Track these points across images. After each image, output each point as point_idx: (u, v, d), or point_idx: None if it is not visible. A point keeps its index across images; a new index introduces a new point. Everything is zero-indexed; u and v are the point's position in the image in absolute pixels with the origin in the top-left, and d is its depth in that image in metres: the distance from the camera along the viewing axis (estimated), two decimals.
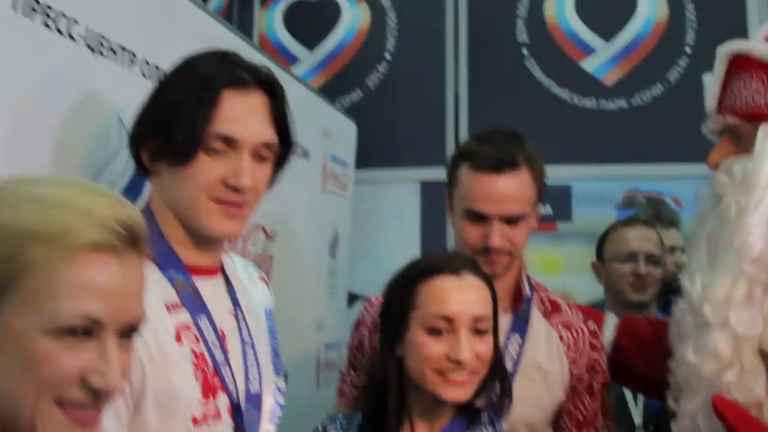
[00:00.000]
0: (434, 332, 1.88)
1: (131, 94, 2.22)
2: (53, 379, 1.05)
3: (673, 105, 4.52)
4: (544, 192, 2.35)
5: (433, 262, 1.98)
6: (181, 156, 1.71)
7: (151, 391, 1.66)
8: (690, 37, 4.60)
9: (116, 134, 2.17)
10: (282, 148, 1.87)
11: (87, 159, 2.07)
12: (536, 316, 2.35)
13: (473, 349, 1.86)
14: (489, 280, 1.98)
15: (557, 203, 4.52)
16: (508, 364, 2.20)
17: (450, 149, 4.55)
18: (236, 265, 2.01)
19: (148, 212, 1.80)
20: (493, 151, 2.24)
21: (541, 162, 2.32)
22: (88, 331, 1.07)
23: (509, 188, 2.24)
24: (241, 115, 1.74)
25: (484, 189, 2.25)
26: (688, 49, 4.60)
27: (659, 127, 4.50)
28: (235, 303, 1.89)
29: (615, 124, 4.55)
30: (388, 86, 4.79)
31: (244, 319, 1.89)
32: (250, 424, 1.82)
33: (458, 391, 1.87)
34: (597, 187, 4.49)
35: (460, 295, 1.89)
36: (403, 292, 1.95)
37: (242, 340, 1.85)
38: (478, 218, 2.24)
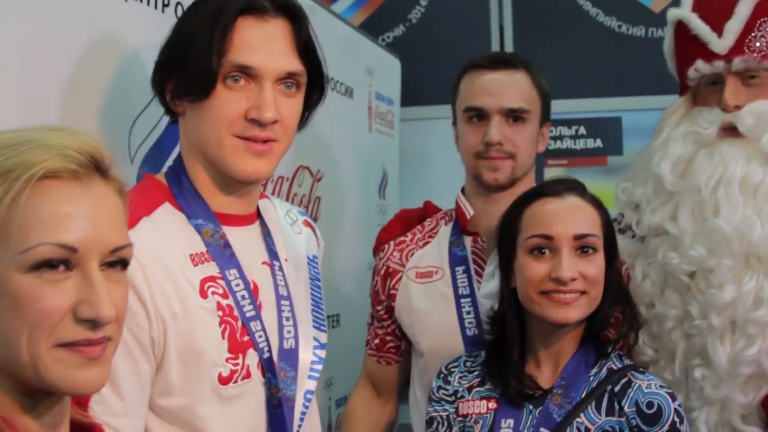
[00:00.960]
0: (536, 253, 1.90)
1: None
2: (43, 316, 1.02)
3: None
4: (548, 105, 2.34)
5: (537, 188, 2.02)
6: (199, 90, 1.63)
7: (174, 349, 1.60)
8: None
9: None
10: (313, 80, 1.77)
11: (121, 108, 2.04)
12: None
13: (577, 269, 1.86)
14: (597, 202, 1.97)
15: (607, 136, 4.43)
16: None
17: None
18: (278, 210, 1.94)
19: (178, 160, 1.77)
20: (491, 54, 2.34)
21: (543, 76, 2.33)
22: (66, 262, 1.04)
23: (506, 81, 2.26)
24: (259, 42, 1.65)
25: (481, 83, 2.27)
26: None
27: None
28: (272, 253, 1.82)
29: (659, 53, 4.38)
30: (431, 20, 4.66)
31: (281, 270, 1.82)
32: (284, 381, 1.76)
33: (565, 311, 1.86)
34: (648, 118, 4.36)
35: (561, 215, 1.90)
36: (510, 220, 1.98)
37: (277, 294, 1.78)
38: (478, 118, 2.25)
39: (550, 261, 1.88)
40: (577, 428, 1.86)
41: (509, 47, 4.55)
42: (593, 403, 1.88)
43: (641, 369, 1.97)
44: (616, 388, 1.90)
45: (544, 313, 1.88)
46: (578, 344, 1.95)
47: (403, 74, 4.32)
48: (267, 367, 1.71)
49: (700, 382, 2.01)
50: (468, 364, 2.06)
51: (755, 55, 2.04)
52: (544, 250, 1.90)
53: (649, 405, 1.86)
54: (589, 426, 1.86)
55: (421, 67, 4.47)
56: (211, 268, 1.66)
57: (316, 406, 1.96)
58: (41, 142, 1.04)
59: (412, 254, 2.41)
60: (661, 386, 1.90)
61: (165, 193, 1.71)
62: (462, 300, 2.27)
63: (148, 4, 2.12)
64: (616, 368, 1.93)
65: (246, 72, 1.64)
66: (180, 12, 2.19)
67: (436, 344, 2.28)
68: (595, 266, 1.90)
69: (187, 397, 1.62)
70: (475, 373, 2.03)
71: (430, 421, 2.03)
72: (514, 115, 2.25)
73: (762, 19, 2.05)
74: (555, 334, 1.93)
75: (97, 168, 1.10)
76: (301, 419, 1.80)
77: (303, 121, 1.81)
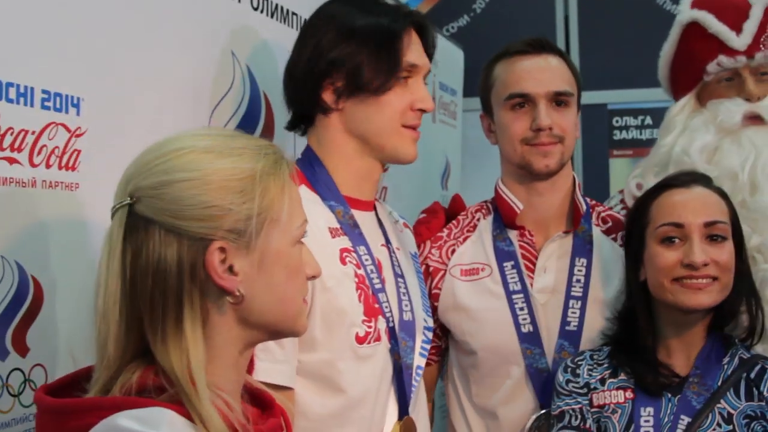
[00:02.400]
0: (667, 241, 1.95)
1: (242, 27, 2.23)
2: (304, 279, 1.33)
3: None
4: (581, 91, 2.32)
5: (664, 180, 2.06)
6: (380, 87, 1.91)
7: (319, 307, 1.80)
8: None
9: (230, 68, 2.17)
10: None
11: (203, 94, 2.08)
12: (598, 235, 2.28)
13: (708, 254, 1.91)
14: (723, 192, 2.03)
15: None
16: (577, 290, 2.19)
17: None
18: (385, 210, 2.16)
19: (309, 151, 1.98)
20: (526, 39, 2.27)
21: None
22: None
23: (548, 66, 2.24)
24: (416, 47, 1.97)
25: (522, 68, 2.23)
26: None
27: None
28: (387, 239, 2.04)
29: None
30: (494, 10, 4.64)
31: (395, 253, 2.04)
32: (404, 350, 1.94)
33: (699, 297, 1.91)
34: None
35: (690, 204, 1.96)
36: (639, 213, 2.04)
37: (395, 272, 2.00)
38: (522, 104, 2.20)
39: (681, 248, 1.94)
40: (719, 414, 1.90)
41: (574, 37, 4.52)
42: (731, 390, 1.93)
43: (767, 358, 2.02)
44: (752, 375, 1.94)
45: (677, 300, 1.93)
46: (707, 334, 1.99)
47: (466, 64, 4.31)
48: (392, 334, 1.91)
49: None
50: (595, 357, 2.06)
51: None
52: (674, 239, 1.95)
53: None
54: (731, 411, 1.90)
55: (484, 57, 4.43)
56: (346, 242, 1.90)
57: (423, 388, 2.11)
58: (261, 144, 1.30)
59: (453, 251, 2.34)
60: None
61: (300, 177, 1.88)
62: (514, 296, 2.22)
63: None
64: (746, 357, 1.98)
65: (411, 69, 1.95)
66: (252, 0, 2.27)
67: (490, 343, 2.22)
68: (726, 252, 1.94)
69: (328, 352, 1.82)
70: (605, 365, 2.04)
71: (561, 416, 2.02)
72: (559, 99, 2.22)
73: None
74: (686, 322, 1.97)
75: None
76: (412, 392, 1.95)
77: None
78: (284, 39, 2.41)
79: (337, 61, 1.91)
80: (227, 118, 2.15)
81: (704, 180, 2.04)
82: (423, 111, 1.97)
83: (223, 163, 1.22)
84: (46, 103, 1.61)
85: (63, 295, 1.66)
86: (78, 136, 1.68)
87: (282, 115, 2.38)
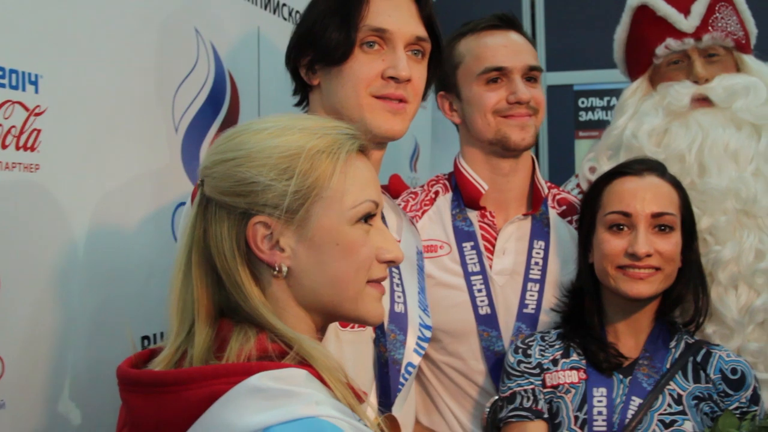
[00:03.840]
0: (614, 228, 1.97)
1: (206, 4, 2.18)
2: (366, 260, 1.30)
3: None
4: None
5: (618, 167, 2.07)
6: (340, 54, 1.79)
7: None
8: None
9: (195, 46, 2.13)
10: (433, 55, 1.92)
11: (168, 71, 2.04)
12: (554, 217, 2.26)
13: (653, 245, 1.93)
14: (676, 182, 2.04)
15: None
16: (535, 273, 2.19)
17: None
18: (389, 203, 2.07)
19: None
20: (493, 15, 2.23)
21: None
22: (371, 216, 1.32)
23: (521, 40, 2.22)
24: (391, 9, 1.83)
25: (498, 42, 2.19)
26: None
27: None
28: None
29: None
30: None
31: None
32: (393, 343, 1.87)
33: (639, 286, 1.94)
34: None
35: (640, 193, 1.97)
36: (591, 197, 2.05)
37: None
38: (497, 78, 2.16)
39: (627, 237, 1.96)
40: (670, 395, 1.95)
41: (540, 17, 4.52)
42: (680, 372, 1.98)
43: (711, 343, 2.06)
44: (698, 358, 1.99)
45: (618, 287, 1.95)
46: (654, 319, 2.02)
47: None
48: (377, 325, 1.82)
49: (712, 337, 2.12)
50: (546, 338, 2.08)
51: (719, 33, 2.27)
52: (622, 227, 1.97)
53: (734, 371, 1.97)
54: (681, 392, 1.96)
55: (451, 32, 4.43)
56: None
57: (414, 390, 2.05)
58: (333, 127, 1.31)
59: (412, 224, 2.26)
60: (737, 355, 2.02)
61: None
62: (473, 277, 2.18)
63: None
64: (691, 341, 2.03)
65: (381, 36, 1.81)
66: None
67: (446, 323, 2.17)
68: (670, 244, 1.96)
69: None
70: (556, 346, 2.05)
71: (512, 397, 2.01)
72: (531, 74, 2.20)
73: (720, 3, 2.28)
74: (632, 307, 2.00)
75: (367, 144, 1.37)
76: (399, 389, 1.86)
77: (425, 93, 1.95)
78: (249, 16, 2.39)
79: (305, 35, 1.86)
80: (192, 97, 2.11)
81: (658, 169, 2.03)
82: (394, 79, 1.80)
83: (271, 142, 1.26)
84: (0, 81, 1.55)
85: (22, 283, 1.61)
86: (37, 114, 1.63)
87: (248, 92, 2.35)
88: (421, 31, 1.86)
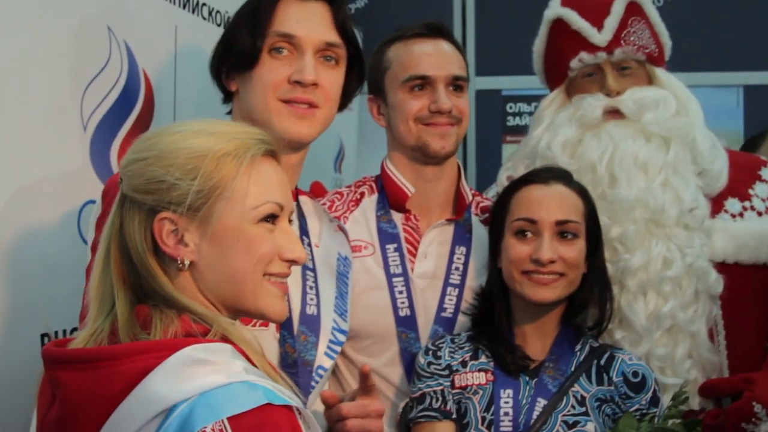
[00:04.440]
0: (520, 235, 2.04)
1: (121, 2, 2.17)
2: (265, 256, 1.38)
3: (687, 9, 4.39)
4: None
5: (526, 175, 2.14)
6: (248, 60, 1.85)
7: None
8: None
9: (107, 44, 2.12)
10: (352, 64, 1.98)
11: (77, 70, 2.02)
12: (477, 224, 2.31)
13: (556, 252, 1.99)
14: (582, 190, 2.10)
15: None
16: (455, 278, 2.23)
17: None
18: (313, 207, 2.12)
19: None
20: (422, 23, 2.26)
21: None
22: (275, 217, 1.39)
23: (448, 49, 2.26)
24: (300, 16, 1.89)
25: (424, 50, 2.23)
26: None
27: (673, 33, 4.38)
28: (303, 231, 2.01)
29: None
30: None
31: (310, 247, 2.00)
32: (303, 344, 1.90)
33: (543, 291, 2.00)
34: None
35: (545, 201, 2.04)
36: (500, 204, 2.11)
37: (305, 264, 1.93)
38: (421, 86, 2.19)
39: (532, 243, 2.02)
40: (573, 397, 2.01)
41: (471, 22, 4.57)
42: (584, 375, 2.04)
43: (614, 347, 2.13)
44: (602, 362, 2.06)
45: (524, 292, 2.02)
46: (560, 323, 2.08)
47: (365, 46, 4.29)
48: (283, 324, 1.85)
49: (621, 342, 2.19)
50: (456, 340, 2.12)
51: (631, 47, 2.33)
52: (527, 233, 2.03)
53: (635, 374, 2.05)
54: (584, 394, 2.02)
55: (382, 38, 4.46)
56: None
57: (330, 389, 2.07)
58: (244, 132, 1.40)
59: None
60: (639, 359, 2.09)
61: None
62: (394, 279, 2.22)
63: None
64: (596, 345, 2.09)
65: (289, 42, 1.87)
66: None
67: (367, 323, 2.19)
68: (574, 250, 2.02)
69: None
70: (465, 348, 2.10)
71: (421, 398, 2.05)
72: (456, 84, 2.24)
73: (633, 18, 2.34)
74: (539, 311, 2.06)
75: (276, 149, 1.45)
76: (311, 390, 1.89)
77: (344, 102, 2.02)
78: (167, 15, 2.38)
79: (222, 42, 1.92)
80: (103, 95, 2.10)
81: (565, 178, 2.10)
82: (300, 83, 1.86)
83: (182, 144, 1.35)
84: None
85: None
86: None
87: (164, 92, 2.34)
88: (332, 37, 1.91)
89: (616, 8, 2.33)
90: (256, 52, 1.86)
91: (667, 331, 2.19)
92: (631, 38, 2.33)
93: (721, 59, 4.33)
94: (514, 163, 2.40)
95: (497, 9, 4.51)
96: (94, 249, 1.78)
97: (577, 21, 2.33)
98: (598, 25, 2.32)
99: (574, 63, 2.33)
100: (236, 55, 1.88)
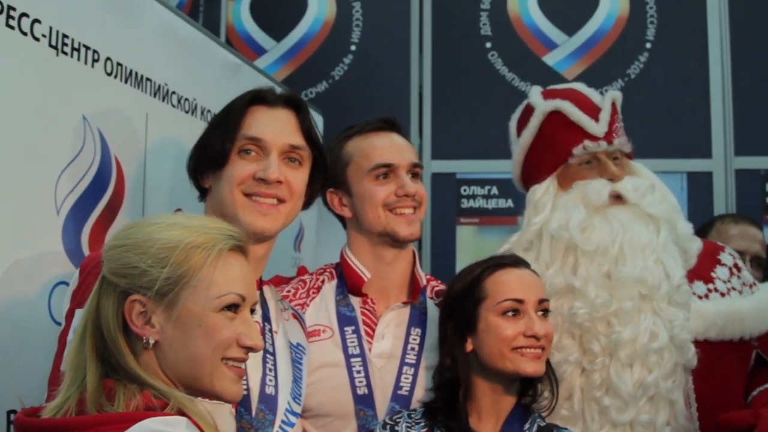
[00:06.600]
0: (509, 314, 2.13)
1: (95, 92, 2.26)
2: (223, 342, 1.48)
3: (633, 100, 4.58)
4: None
5: (491, 261, 2.24)
6: (219, 160, 2.02)
7: None
8: (650, 32, 4.67)
9: (81, 132, 2.21)
10: (316, 167, 2.14)
11: (52, 156, 2.11)
12: (432, 307, 2.41)
13: (544, 328, 2.12)
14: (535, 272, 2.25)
15: (519, 196, 4.52)
16: (411, 357, 2.32)
17: (414, 140, 4.59)
18: (274, 295, 2.24)
19: None
20: (381, 117, 2.41)
21: None
22: (237, 306, 1.50)
23: (403, 140, 2.42)
24: (267, 122, 2.07)
25: (386, 141, 2.38)
26: (648, 45, 4.67)
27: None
28: (266, 317, 2.13)
29: None
30: (353, 77, 4.81)
31: (271, 332, 2.12)
32: (261, 421, 2.00)
33: (535, 364, 2.11)
34: None
35: (526, 282, 2.17)
36: (468, 291, 2.19)
37: (265, 348, 2.08)
38: (386, 174, 2.33)
39: (521, 321, 2.12)
40: None
41: (427, 108, 4.71)
42: None
43: (559, 426, 2.21)
44: None
45: (517, 367, 2.11)
46: (515, 402, 2.17)
47: (325, 129, 4.41)
48: (241, 401, 1.95)
49: (608, 409, 2.29)
50: (413, 416, 2.19)
51: (623, 138, 2.51)
52: (515, 313, 2.13)
53: None
54: None
55: (342, 122, 4.48)
56: None
57: None
58: (214, 228, 1.53)
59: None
60: None
61: None
62: (352, 359, 2.30)
63: (78, 59, 2.20)
64: (543, 425, 2.17)
65: (257, 144, 2.04)
66: (105, 66, 2.33)
67: (326, 402, 2.28)
68: (551, 327, 2.17)
69: None
70: (422, 424, 2.16)
71: None
72: (414, 170, 2.39)
73: (616, 114, 2.52)
74: (503, 390, 2.16)
75: (244, 245, 1.57)
76: None
77: (309, 200, 2.17)
78: (138, 103, 2.48)
79: (198, 144, 2.09)
80: (76, 181, 2.18)
81: (525, 263, 2.24)
82: (264, 181, 2.01)
83: (157, 235, 1.48)
84: None
85: None
86: None
87: (134, 177, 2.42)
88: (296, 140, 2.08)
89: (605, 104, 2.50)
90: (226, 153, 2.02)
91: (649, 399, 2.30)
92: (620, 132, 2.51)
93: (667, 147, 4.53)
94: (512, 247, 2.50)
95: (452, 97, 4.67)
96: (68, 317, 1.87)
97: (576, 113, 2.46)
98: (594, 117, 2.47)
99: (578, 150, 2.45)
100: (209, 156, 2.05)
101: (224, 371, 1.50)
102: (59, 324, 1.95)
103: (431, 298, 2.43)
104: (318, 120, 4.32)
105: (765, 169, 4.23)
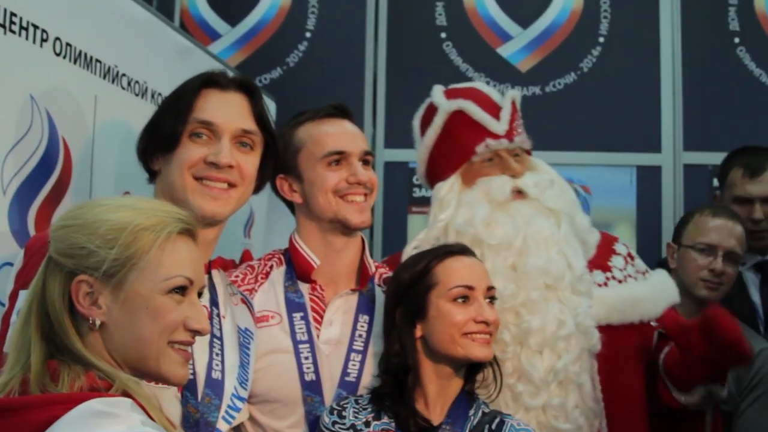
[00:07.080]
0: (459, 301, 2.18)
1: (43, 72, 2.24)
2: (170, 324, 1.49)
3: (585, 93, 4.66)
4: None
5: (440, 249, 2.29)
6: (169, 143, 2.01)
7: None
8: (604, 27, 4.73)
9: (29, 112, 2.18)
10: (268, 152, 2.14)
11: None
12: (380, 295, 2.43)
13: (493, 315, 2.18)
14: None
15: None
16: (359, 344, 2.34)
17: (368, 129, 4.61)
18: (223, 280, 2.24)
19: None
20: (334, 104, 2.43)
21: None
22: (184, 289, 1.51)
23: (355, 128, 2.45)
24: (219, 105, 2.06)
25: (337, 129, 2.39)
26: (601, 39, 4.73)
27: (571, 114, 4.63)
28: (214, 302, 2.14)
29: (528, 111, 4.63)
30: (308, 64, 4.80)
31: (219, 317, 2.13)
32: (207, 406, 2.01)
33: (485, 349, 2.17)
34: None
35: (476, 270, 2.24)
36: (417, 278, 2.23)
37: (213, 332, 2.09)
38: (338, 161, 2.34)
39: (471, 307, 2.18)
40: None
41: (381, 96, 4.72)
42: None
43: (503, 412, 2.26)
44: (493, 426, 2.18)
45: (467, 353, 2.16)
46: (460, 389, 2.21)
47: (278, 116, 4.40)
48: (187, 385, 1.96)
49: (522, 395, 2.38)
50: (359, 401, 2.22)
51: (524, 136, 2.62)
52: (465, 299, 2.18)
53: None
54: None
55: (296, 109, 4.44)
56: None
57: None
58: (164, 210, 1.53)
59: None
60: (526, 425, 2.23)
61: None
62: (300, 346, 2.31)
63: (27, 38, 2.17)
64: (487, 411, 2.22)
65: (208, 128, 2.03)
66: (54, 46, 2.30)
67: (273, 388, 2.29)
68: (497, 313, 2.23)
69: None
70: (368, 409, 2.20)
71: None
72: (365, 158, 2.40)
73: (515, 112, 2.60)
74: (450, 376, 2.20)
75: (194, 228, 1.58)
76: None
77: (259, 185, 2.18)
78: (87, 85, 2.46)
79: (148, 126, 2.08)
80: (23, 161, 2.16)
81: (472, 251, 2.30)
82: (215, 165, 2.01)
83: (105, 216, 1.48)
84: None
85: None
86: None
87: (82, 159, 2.40)
88: (248, 125, 2.08)
89: (506, 103, 2.59)
90: (177, 136, 2.01)
91: (559, 383, 2.39)
92: (520, 129, 2.60)
93: (617, 140, 4.60)
94: (420, 243, 2.54)
95: (406, 87, 4.67)
96: (12, 298, 1.87)
97: (478, 112, 2.54)
98: (496, 116, 2.55)
99: (480, 148, 2.53)
100: (159, 138, 2.03)
101: (171, 354, 1.51)
102: (2, 305, 1.93)
103: (380, 285, 2.45)
104: (271, 106, 4.30)
105: (713, 164, 4.28)
